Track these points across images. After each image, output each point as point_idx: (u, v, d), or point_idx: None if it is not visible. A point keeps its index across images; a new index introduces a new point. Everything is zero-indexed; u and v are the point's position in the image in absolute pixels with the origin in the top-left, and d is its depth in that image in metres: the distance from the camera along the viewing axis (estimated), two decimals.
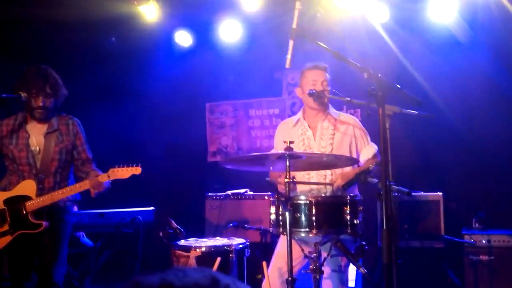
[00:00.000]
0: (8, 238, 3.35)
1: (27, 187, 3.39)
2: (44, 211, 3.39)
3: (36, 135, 3.51)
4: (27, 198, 3.34)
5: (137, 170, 3.39)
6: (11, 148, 3.46)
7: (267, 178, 3.19)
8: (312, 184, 3.14)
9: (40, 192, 3.40)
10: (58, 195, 3.37)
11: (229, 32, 5.68)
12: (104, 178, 3.42)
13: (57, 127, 3.54)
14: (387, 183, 2.05)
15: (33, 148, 3.46)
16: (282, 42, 5.25)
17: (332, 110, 3.34)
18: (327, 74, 3.30)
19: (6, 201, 3.38)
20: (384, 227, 2.02)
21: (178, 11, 5.70)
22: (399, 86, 2.04)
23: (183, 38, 5.88)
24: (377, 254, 4.88)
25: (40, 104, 3.42)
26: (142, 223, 4.16)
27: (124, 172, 3.39)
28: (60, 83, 3.54)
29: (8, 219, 3.35)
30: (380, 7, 5.03)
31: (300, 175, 3.16)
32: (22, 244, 3.38)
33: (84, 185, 3.42)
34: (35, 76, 3.43)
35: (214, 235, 4.81)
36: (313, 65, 3.31)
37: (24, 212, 3.33)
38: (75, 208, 3.92)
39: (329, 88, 3.26)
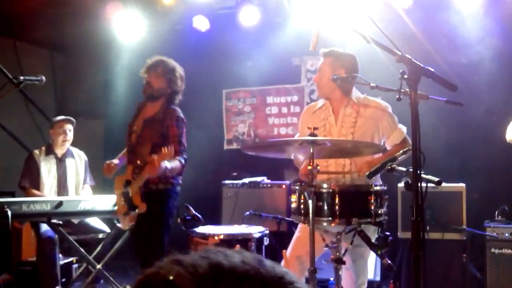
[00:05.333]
0: (133, 217, 3.61)
1: None
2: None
3: None
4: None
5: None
6: None
7: (292, 156, 3.01)
8: (334, 174, 3.00)
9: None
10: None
11: (248, 18, 5.58)
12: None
13: None
14: (418, 172, 1.96)
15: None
16: (301, 28, 5.18)
17: (355, 94, 3.11)
18: (329, 58, 3.06)
19: None
20: (414, 218, 1.94)
21: None
22: (433, 70, 1.94)
23: (201, 23, 5.80)
24: (395, 244, 4.80)
25: None
26: None
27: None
28: None
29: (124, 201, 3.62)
30: None
31: (319, 163, 3.03)
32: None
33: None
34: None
35: (230, 223, 4.77)
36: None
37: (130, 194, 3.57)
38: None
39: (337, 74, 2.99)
